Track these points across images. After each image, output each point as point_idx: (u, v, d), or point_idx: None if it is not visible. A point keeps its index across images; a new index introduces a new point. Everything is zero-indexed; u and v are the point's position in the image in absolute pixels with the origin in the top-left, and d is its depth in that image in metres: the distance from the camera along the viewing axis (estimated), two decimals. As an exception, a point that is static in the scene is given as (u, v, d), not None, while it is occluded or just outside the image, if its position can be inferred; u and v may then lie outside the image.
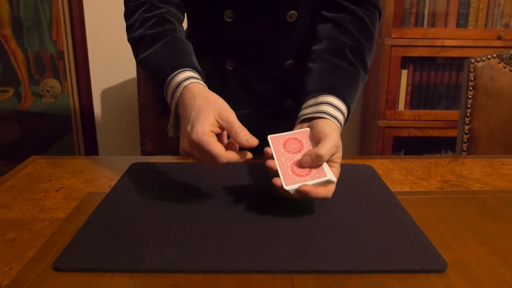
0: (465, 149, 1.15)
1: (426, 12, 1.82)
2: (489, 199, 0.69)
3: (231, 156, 0.60)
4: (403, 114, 1.88)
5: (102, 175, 0.78)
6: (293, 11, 0.83)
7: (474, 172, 0.81)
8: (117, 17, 1.90)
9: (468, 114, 1.15)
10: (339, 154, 0.65)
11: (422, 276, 0.48)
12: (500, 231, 0.58)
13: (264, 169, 0.78)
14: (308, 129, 0.67)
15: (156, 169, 0.78)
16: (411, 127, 1.88)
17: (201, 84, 0.68)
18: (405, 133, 1.89)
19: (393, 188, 0.72)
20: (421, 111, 1.88)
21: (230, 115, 0.63)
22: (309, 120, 0.68)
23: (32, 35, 1.92)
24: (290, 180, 0.61)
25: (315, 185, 0.60)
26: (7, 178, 0.77)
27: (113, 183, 0.73)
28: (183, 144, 0.63)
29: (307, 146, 0.65)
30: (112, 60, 1.94)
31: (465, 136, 1.15)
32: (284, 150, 0.65)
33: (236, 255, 0.51)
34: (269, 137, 0.67)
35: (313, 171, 0.61)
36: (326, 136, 0.63)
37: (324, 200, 0.61)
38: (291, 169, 0.62)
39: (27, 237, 0.56)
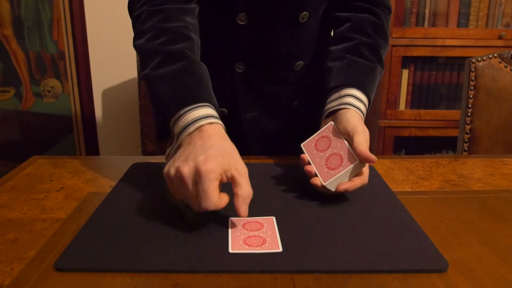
0: (466, 148, 1.15)
1: (427, 11, 1.81)
2: (490, 199, 0.69)
3: (222, 203, 0.56)
4: (404, 114, 1.88)
5: (103, 175, 0.78)
6: (305, 12, 0.83)
7: (475, 172, 0.81)
8: (118, 17, 1.91)
9: (469, 114, 1.15)
10: (368, 141, 0.69)
11: (423, 276, 0.48)
12: (501, 231, 0.58)
13: (265, 169, 0.78)
14: (332, 122, 0.71)
15: (156, 169, 0.78)
16: (412, 127, 1.88)
17: (221, 125, 0.63)
18: (406, 133, 1.89)
19: (394, 188, 0.72)
20: (422, 111, 1.88)
21: (245, 173, 0.57)
22: (334, 112, 0.73)
23: (33, 35, 1.92)
24: (327, 176, 0.65)
25: (349, 174, 0.65)
26: (8, 178, 0.77)
27: (114, 183, 0.73)
28: (182, 167, 0.55)
29: (334, 140, 0.69)
30: (113, 60, 1.95)
31: (466, 136, 1.15)
32: (317, 151, 0.70)
33: (237, 255, 0.51)
34: (302, 145, 0.73)
35: (344, 160, 0.66)
36: (355, 130, 0.67)
37: (363, 186, 0.67)
38: (326, 166, 0.67)
39: (28, 237, 0.56)
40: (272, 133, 0.95)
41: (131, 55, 1.84)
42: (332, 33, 0.89)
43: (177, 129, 0.62)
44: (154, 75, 0.67)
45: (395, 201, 0.66)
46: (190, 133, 0.60)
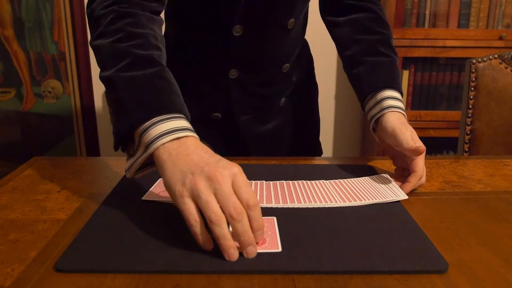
0: (467, 149, 1.15)
1: (427, 12, 1.81)
2: (490, 200, 0.69)
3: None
4: (405, 114, 1.88)
5: (104, 176, 0.78)
6: (292, 19, 0.86)
7: (476, 173, 0.81)
8: (119, 18, 1.90)
9: (470, 115, 1.15)
10: (414, 133, 0.74)
11: (424, 277, 0.48)
12: (502, 231, 0.58)
13: (265, 170, 0.79)
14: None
15: (157, 170, 0.78)
16: (412, 128, 1.88)
17: (197, 138, 0.58)
18: (406, 134, 1.88)
19: (395, 188, 0.72)
20: (423, 112, 1.88)
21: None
22: (378, 119, 0.77)
23: (34, 36, 1.92)
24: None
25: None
26: (9, 179, 0.77)
27: (114, 183, 0.73)
28: (197, 178, 0.50)
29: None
30: (113, 61, 1.95)
31: (467, 137, 1.15)
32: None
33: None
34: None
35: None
36: (394, 134, 0.72)
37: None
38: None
39: (29, 238, 0.56)
40: (267, 132, 1.00)
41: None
42: (332, 38, 0.93)
43: (147, 138, 0.56)
44: (121, 77, 0.60)
45: (395, 202, 0.66)
46: (166, 143, 0.55)
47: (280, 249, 0.52)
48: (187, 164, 0.52)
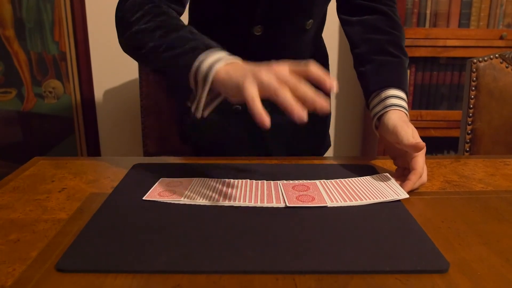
0: (468, 149, 1.15)
1: (428, 12, 1.81)
2: (491, 200, 0.68)
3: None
4: (405, 114, 1.87)
5: (105, 176, 0.78)
6: (311, 20, 0.90)
7: (477, 172, 0.81)
8: (119, 18, 1.91)
9: (471, 114, 1.14)
10: (415, 131, 0.74)
11: (425, 277, 0.48)
12: (503, 231, 0.58)
13: (266, 169, 0.79)
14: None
15: (158, 170, 0.78)
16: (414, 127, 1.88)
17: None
18: (407, 133, 1.88)
19: (396, 188, 0.72)
20: (423, 111, 1.88)
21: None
22: (381, 117, 0.79)
23: (35, 36, 1.92)
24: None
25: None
26: (10, 179, 0.77)
27: (115, 183, 0.73)
28: (257, 70, 0.58)
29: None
30: (114, 61, 1.95)
31: (468, 136, 1.15)
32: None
33: (238, 255, 0.51)
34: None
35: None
36: (395, 131, 0.73)
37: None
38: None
39: (30, 238, 0.56)
40: (284, 124, 1.03)
41: (133, 56, 1.83)
42: (345, 35, 0.95)
43: (201, 73, 0.62)
44: (159, 45, 0.69)
45: (396, 202, 0.66)
46: (220, 68, 0.61)
47: (328, 204, 0.63)
48: (244, 69, 0.60)
